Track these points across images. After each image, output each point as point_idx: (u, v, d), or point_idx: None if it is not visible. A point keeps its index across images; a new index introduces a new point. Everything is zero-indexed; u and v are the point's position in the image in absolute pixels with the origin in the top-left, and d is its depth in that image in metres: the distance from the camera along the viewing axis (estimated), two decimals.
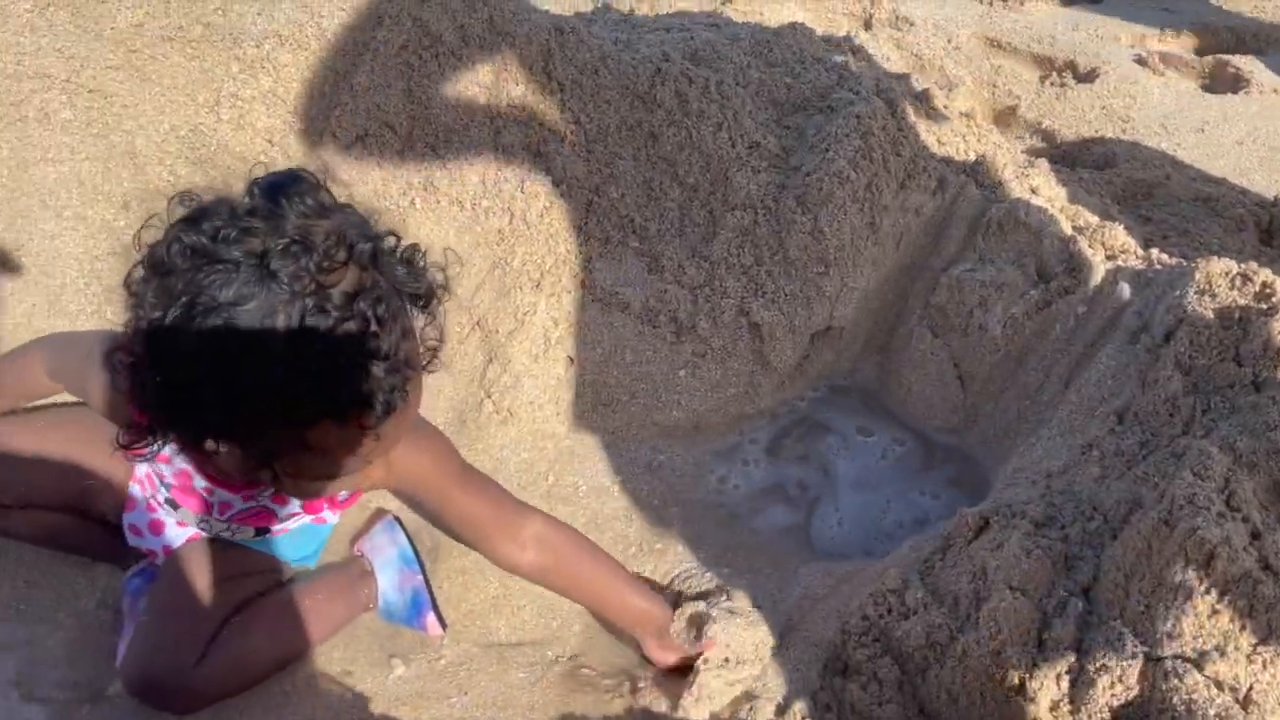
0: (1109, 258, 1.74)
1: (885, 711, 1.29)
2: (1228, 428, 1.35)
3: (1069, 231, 1.75)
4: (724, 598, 1.44)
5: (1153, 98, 2.66)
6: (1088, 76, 2.75)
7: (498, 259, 1.78)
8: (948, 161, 1.90)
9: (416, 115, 1.77)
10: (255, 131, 1.75)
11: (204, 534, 1.42)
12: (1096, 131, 2.51)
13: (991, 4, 3.15)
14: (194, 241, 0.91)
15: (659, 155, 1.83)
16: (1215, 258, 1.55)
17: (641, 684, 1.40)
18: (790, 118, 1.91)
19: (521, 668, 1.42)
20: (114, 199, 1.71)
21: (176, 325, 0.89)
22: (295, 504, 1.32)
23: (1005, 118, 2.56)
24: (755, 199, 1.79)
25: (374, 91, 1.76)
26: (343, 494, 1.35)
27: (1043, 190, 1.91)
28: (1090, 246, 1.75)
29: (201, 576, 1.38)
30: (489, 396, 1.73)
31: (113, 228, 1.70)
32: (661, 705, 1.37)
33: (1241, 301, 1.48)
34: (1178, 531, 1.18)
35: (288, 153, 1.75)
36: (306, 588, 1.45)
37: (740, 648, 1.38)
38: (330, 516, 1.50)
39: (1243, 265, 1.52)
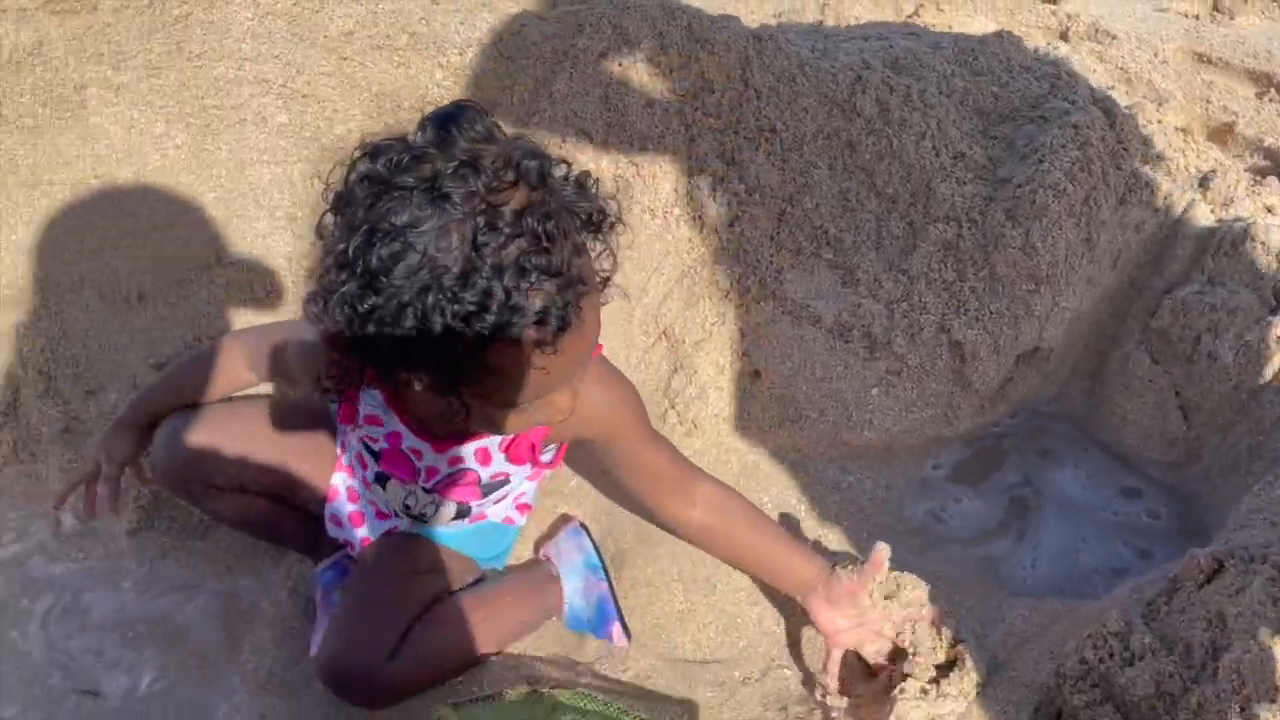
0: None
1: None
2: None
3: None
4: None
5: None
6: None
7: (687, 268, 1.75)
8: (1172, 176, 1.76)
9: (613, 122, 1.77)
10: None
11: (400, 527, 1.43)
12: None
13: (1199, 17, 2.96)
14: (370, 170, 0.95)
15: (857, 165, 1.77)
16: None
17: (834, 714, 1.33)
18: (997, 128, 1.82)
19: (709, 686, 1.37)
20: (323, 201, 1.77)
21: (358, 253, 0.92)
22: (500, 460, 1.30)
23: (1221, 135, 2.38)
24: (960, 211, 1.70)
25: (572, 98, 1.77)
26: (547, 454, 1.33)
27: (1279, 209, 1.76)
28: None
29: (395, 571, 1.39)
30: (673, 407, 1.70)
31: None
32: None
33: None
34: None
35: None
36: (495, 589, 1.44)
37: (905, 586, 1.33)
38: (518, 518, 1.49)
39: None
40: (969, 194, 1.71)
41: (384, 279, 0.92)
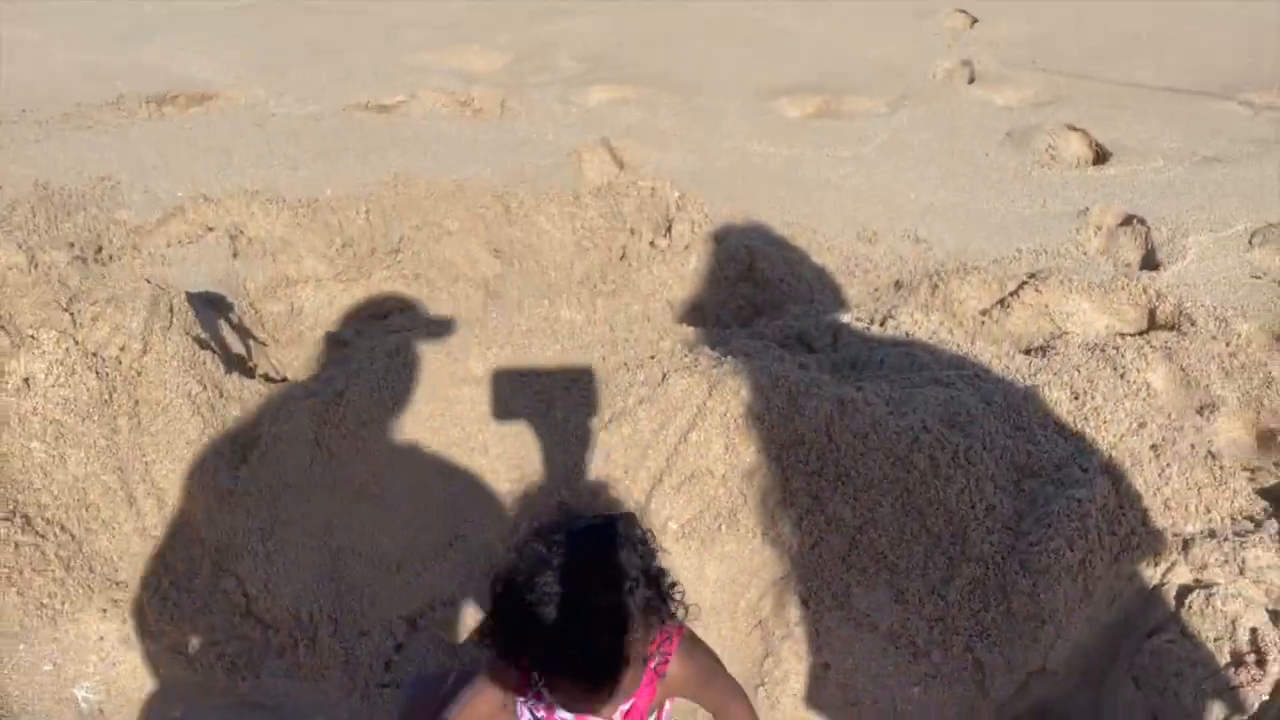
0: None
1: None
2: None
3: (1264, 619, 2.04)
4: None
5: None
6: None
7: (778, 576, 2.37)
8: (1161, 538, 2.24)
9: (731, 463, 2.42)
10: None
11: None
12: None
13: None
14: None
15: (912, 506, 2.34)
16: None
17: None
18: (1028, 481, 2.34)
19: None
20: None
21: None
22: None
23: (1266, 440, 2.76)
24: (987, 555, 2.24)
25: (702, 445, 2.43)
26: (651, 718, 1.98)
27: (1250, 566, 2.19)
28: None
29: None
30: (763, 684, 2.31)
31: None
32: None
33: None
34: None
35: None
36: None
37: None
38: None
39: None
40: (995, 541, 2.25)
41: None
